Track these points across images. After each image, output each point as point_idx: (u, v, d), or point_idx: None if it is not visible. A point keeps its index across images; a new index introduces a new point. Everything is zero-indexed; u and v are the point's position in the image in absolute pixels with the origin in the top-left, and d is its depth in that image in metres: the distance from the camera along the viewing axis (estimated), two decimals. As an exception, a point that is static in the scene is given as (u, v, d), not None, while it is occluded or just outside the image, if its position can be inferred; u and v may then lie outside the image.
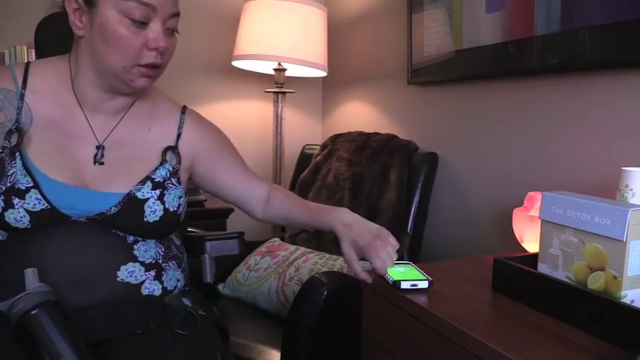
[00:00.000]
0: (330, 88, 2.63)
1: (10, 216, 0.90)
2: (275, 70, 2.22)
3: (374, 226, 1.07)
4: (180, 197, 1.03)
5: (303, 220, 1.16)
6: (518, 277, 0.94)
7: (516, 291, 0.94)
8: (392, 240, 1.05)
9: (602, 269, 0.81)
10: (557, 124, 1.36)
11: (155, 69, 0.95)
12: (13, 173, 0.91)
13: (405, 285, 0.98)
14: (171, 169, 1.03)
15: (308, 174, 1.97)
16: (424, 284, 0.98)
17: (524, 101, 1.45)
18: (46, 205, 0.91)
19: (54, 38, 0.99)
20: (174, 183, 1.03)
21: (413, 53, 1.85)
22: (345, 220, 1.07)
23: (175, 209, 1.02)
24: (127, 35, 0.90)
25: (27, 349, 0.81)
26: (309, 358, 1.30)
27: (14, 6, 2.05)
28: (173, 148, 1.06)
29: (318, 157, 2.00)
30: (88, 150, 0.99)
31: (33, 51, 1.87)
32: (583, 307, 0.81)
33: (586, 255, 0.84)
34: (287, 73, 2.25)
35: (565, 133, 1.34)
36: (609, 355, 0.74)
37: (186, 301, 1.03)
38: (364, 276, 1.05)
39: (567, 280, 0.87)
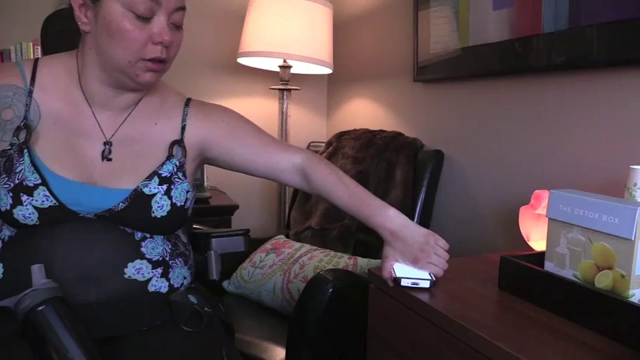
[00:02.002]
0: (335, 86, 2.62)
1: (19, 212, 0.90)
2: (280, 67, 2.22)
3: (420, 234, 1.02)
4: (187, 191, 1.03)
5: (344, 208, 1.09)
6: (524, 276, 0.93)
7: (523, 289, 0.93)
8: (441, 243, 1.02)
9: (610, 268, 0.81)
10: (565, 122, 1.35)
11: (161, 63, 0.95)
12: (21, 170, 0.91)
13: (405, 282, 0.97)
14: (177, 163, 1.03)
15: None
16: (425, 284, 0.97)
17: (531, 99, 1.45)
18: (54, 201, 0.92)
19: (59, 34, 0.99)
20: (181, 177, 1.03)
21: (419, 50, 1.85)
22: (392, 228, 1.02)
23: (182, 204, 1.02)
24: (131, 29, 0.89)
25: (34, 345, 0.81)
26: (314, 356, 1.30)
27: (20, 3, 2.05)
28: (179, 142, 1.05)
29: (323, 155, 2.00)
30: (95, 147, 0.99)
31: (39, 47, 1.88)
32: (590, 306, 0.81)
33: (593, 253, 0.83)
34: (292, 70, 2.25)
35: (572, 131, 1.33)
36: (616, 354, 0.74)
37: (192, 299, 1.03)
38: (388, 276, 1.01)
39: (574, 279, 0.87)
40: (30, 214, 0.91)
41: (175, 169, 1.02)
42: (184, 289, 1.05)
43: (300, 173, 1.12)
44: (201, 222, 1.67)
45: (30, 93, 0.96)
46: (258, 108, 2.57)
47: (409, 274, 0.99)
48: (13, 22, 2.04)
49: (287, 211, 2.14)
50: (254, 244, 1.79)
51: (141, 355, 0.92)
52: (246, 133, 1.14)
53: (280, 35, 2.02)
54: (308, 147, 2.20)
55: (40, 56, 1.05)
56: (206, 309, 1.03)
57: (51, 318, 0.79)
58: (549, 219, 0.92)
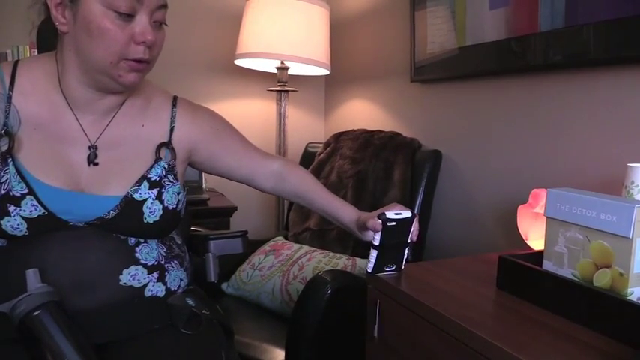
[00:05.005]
0: (332, 86, 2.62)
1: (7, 224, 0.88)
2: (278, 68, 2.22)
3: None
4: (178, 193, 1.02)
5: (321, 203, 1.18)
6: (523, 275, 0.93)
7: (521, 288, 0.93)
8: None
9: (608, 266, 0.81)
10: (562, 121, 1.35)
11: (144, 63, 0.92)
12: (7, 180, 0.88)
13: (390, 215, 1.01)
14: (166, 166, 1.01)
15: (311, 172, 1.95)
16: (407, 214, 1.03)
17: (529, 98, 1.45)
18: (43, 211, 0.89)
19: (53, 36, 0.97)
20: (171, 180, 1.01)
21: (416, 51, 1.85)
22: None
23: (174, 207, 1.00)
24: (112, 29, 0.86)
25: (30, 350, 0.80)
26: (313, 356, 1.30)
27: (18, 5, 2.05)
28: (167, 144, 1.03)
29: (322, 156, 2.00)
30: (80, 152, 0.95)
31: (36, 51, 1.88)
32: (589, 304, 0.81)
33: (592, 252, 0.83)
34: (290, 72, 2.25)
35: (569, 130, 1.33)
36: (615, 352, 0.73)
37: (190, 301, 1.02)
38: (374, 222, 1.03)
39: (573, 278, 0.86)
40: (19, 224, 0.88)
41: (164, 172, 1.00)
42: (182, 292, 1.05)
43: (275, 178, 1.19)
44: (199, 224, 1.67)
45: (9, 98, 0.92)
46: (255, 109, 2.56)
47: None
48: (11, 25, 2.04)
49: (285, 212, 2.14)
50: (252, 245, 1.79)
51: (140, 359, 0.91)
52: (231, 140, 1.17)
53: (277, 36, 2.02)
54: (306, 148, 2.20)
55: (24, 58, 1.02)
56: (204, 311, 1.02)
57: (47, 322, 0.78)
58: (547, 218, 0.92)
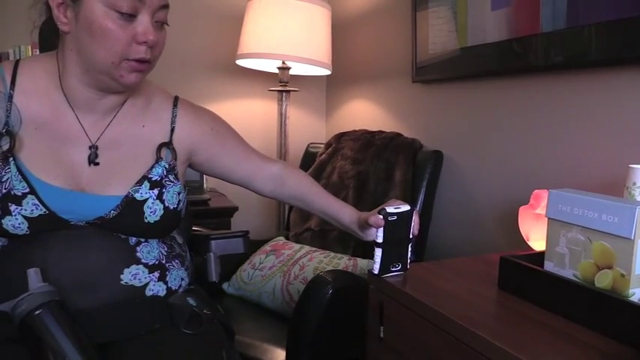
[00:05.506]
0: (334, 87, 2.62)
1: (8, 223, 0.88)
2: (279, 68, 2.22)
3: None
4: (179, 193, 1.02)
5: (320, 202, 1.17)
6: (524, 276, 0.93)
7: (523, 289, 0.93)
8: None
9: (610, 267, 0.81)
10: (563, 122, 1.35)
11: (145, 63, 0.92)
12: (8, 179, 0.88)
13: (390, 209, 1.00)
14: (167, 166, 1.01)
15: (312, 173, 1.97)
16: (406, 207, 1.02)
17: (530, 99, 1.45)
18: (44, 210, 0.89)
19: (53, 36, 0.97)
20: (172, 180, 1.01)
21: (417, 51, 1.84)
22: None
23: (175, 206, 1.01)
24: (114, 29, 0.86)
25: (31, 350, 0.80)
26: (314, 357, 1.29)
27: (20, 5, 2.05)
28: (167, 144, 1.03)
29: (323, 156, 2.00)
30: (81, 152, 0.96)
31: (37, 51, 1.88)
32: (590, 305, 0.80)
33: (593, 253, 0.83)
34: (291, 72, 2.25)
35: (571, 131, 1.33)
36: (616, 353, 0.73)
37: (191, 301, 1.02)
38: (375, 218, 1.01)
39: (574, 279, 0.86)
40: (19, 224, 0.88)
41: (165, 172, 1.00)
42: (183, 292, 1.05)
43: (274, 181, 1.18)
44: (200, 224, 1.67)
45: (10, 97, 0.92)
46: (257, 110, 2.57)
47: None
48: (12, 24, 2.04)
49: (286, 212, 2.14)
50: (253, 245, 1.79)
51: (140, 359, 0.91)
52: (232, 142, 1.16)
53: (279, 37, 2.02)
54: (307, 148, 2.20)
55: (24, 57, 1.01)
56: (205, 311, 1.03)
57: (48, 322, 0.78)
58: (549, 219, 0.91)
